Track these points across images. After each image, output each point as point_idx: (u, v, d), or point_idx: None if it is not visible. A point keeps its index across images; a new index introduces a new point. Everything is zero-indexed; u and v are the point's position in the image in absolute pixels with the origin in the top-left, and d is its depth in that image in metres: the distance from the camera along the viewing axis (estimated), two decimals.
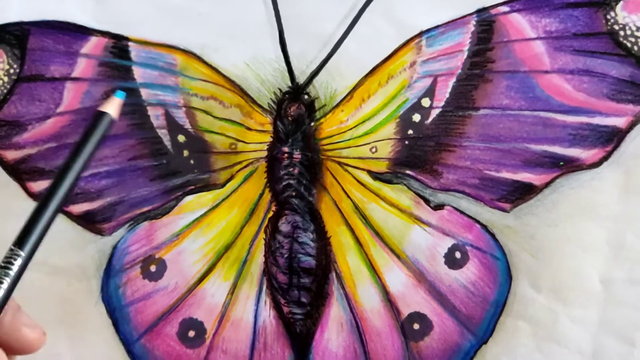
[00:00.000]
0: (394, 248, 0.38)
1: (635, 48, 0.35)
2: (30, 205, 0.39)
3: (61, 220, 0.39)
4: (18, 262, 0.29)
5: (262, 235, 0.39)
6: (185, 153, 0.38)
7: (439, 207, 0.38)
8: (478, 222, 0.37)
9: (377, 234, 0.38)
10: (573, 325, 0.37)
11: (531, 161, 0.36)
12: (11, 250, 0.29)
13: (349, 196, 0.38)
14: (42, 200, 0.31)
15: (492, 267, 0.37)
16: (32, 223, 0.30)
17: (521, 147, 0.36)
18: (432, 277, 0.38)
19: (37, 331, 0.29)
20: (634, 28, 0.35)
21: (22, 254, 0.29)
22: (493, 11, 0.36)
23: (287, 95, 0.38)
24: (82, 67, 0.38)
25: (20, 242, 0.30)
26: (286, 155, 0.38)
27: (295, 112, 0.38)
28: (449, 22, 0.37)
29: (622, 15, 0.35)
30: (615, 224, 0.36)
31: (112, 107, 0.32)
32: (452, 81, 0.37)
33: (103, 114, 0.32)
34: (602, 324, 0.36)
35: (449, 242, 0.37)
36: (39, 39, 0.38)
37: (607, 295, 0.36)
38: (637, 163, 0.36)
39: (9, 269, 0.29)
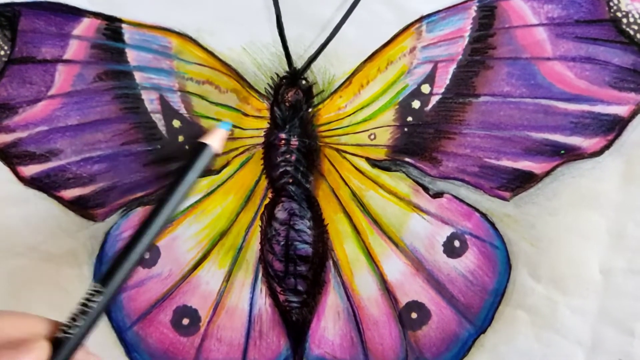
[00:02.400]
0: (392, 236, 0.38)
1: (638, 36, 0.36)
2: (21, 189, 0.38)
3: (53, 206, 0.39)
4: (99, 299, 0.29)
5: (258, 222, 0.38)
6: (180, 138, 0.38)
7: (438, 195, 0.37)
8: (477, 210, 0.37)
9: (375, 221, 0.38)
10: (572, 315, 0.37)
11: (532, 149, 0.36)
12: (94, 286, 0.29)
13: (346, 183, 0.38)
14: (136, 232, 0.31)
15: (491, 256, 0.37)
16: (121, 258, 0.30)
17: (522, 135, 0.36)
18: (430, 265, 0.38)
19: None
20: (637, 15, 0.35)
21: (104, 291, 0.29)
22: None
23: (284, 81, 0.37)
24: (74, 49, 0.38)
25: (104, 279, 0.29)
26: (283, 141, 0.38)
27: (293, 98, 0.37)
28: (449, 7, 0.37)
29: (625, 2, 0.36)
30: (615, 213, 0.36)
31: (215, 139, 0.33)
32: (452, 67, 0.36)
33: (205, 145, 0.32)
34: (602, 313, 0.37)
35: (447, 231, 0.38)
36: (30, 21, 0.38)
37: (606, 285, 0.37)
38: (639, 152, 0.36)
39: (88, 306, 0.28)
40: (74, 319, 0.28)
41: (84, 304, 0.29)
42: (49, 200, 0.38)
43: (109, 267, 0.30)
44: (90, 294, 0.29)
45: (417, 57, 0.37)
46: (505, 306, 0.37)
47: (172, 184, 0.32)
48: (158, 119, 0.38)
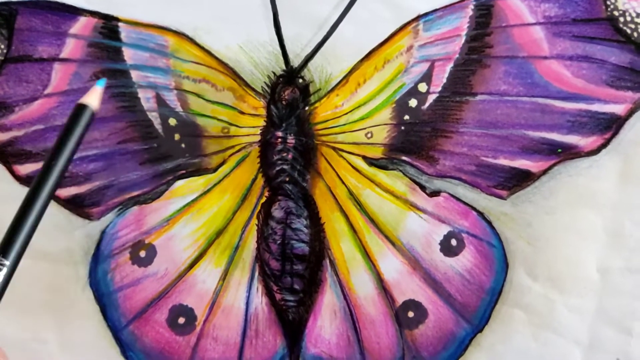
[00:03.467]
0: (389, 235, 0.38)
1: (635, 34, 0.36)
2: (17, 188, 0.38)
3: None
4: (3, 272, 0.28)
5: (254, 221, 0.38)
6: (177, 137, 0.38)
7: (435, 193, 0.38)
8: (474, 209, 0.37)
9: (372, 220, 0.38)
10: (569, 314, 0.37)
11: (529, 148, 0.36)
12: None
13: (343, 182, 0.38)
14: (25, 202, 0.30)
15: (488, 255, 0.37)
16: (15, 227, 0.29)
17: (519, 134, 0.36)
18: (427, 264, 0.38)
19: None
20: (634, 14, 0.35)
21: (7, 262, 0.28)
22: None
23: (281, 79, 0.38)
24: (71, 47, 0.38)
25: (3, 250, 0.29)
26: (280, 140, 0.38)
27: (290, 96, 0.37)
28: (447, 6, 0.37)
29: (622, 1, 0.36)
30: (613, 212, 0.36)
31: (93, 98, 0.32)
32: (449, 66, 0.37)
33: (83, 107, 0.31)
34: (599, 313, 0.37)
35: (444, 229, 0.38)
36: (27, 19, 0.38)
37: (604, 284, 0.37)
38: (636, 151, 0.36)
39: None
40: None
41: None
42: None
43: (4, 238, 0.29)
44: None
45: (414, 56, 0.37)
46: (502, 305, 0.37)
47: (53, 151, 0.31)
48: (154, 117, 0.38)
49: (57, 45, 0.38)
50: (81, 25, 0.38)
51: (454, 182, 0.37)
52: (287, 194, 0.38)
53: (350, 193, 0.38)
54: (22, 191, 0.38)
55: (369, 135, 0.38)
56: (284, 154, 0.38)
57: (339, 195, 0.38)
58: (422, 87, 0.37)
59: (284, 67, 0.37)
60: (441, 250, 0.38)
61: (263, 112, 0.38)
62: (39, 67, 0.38)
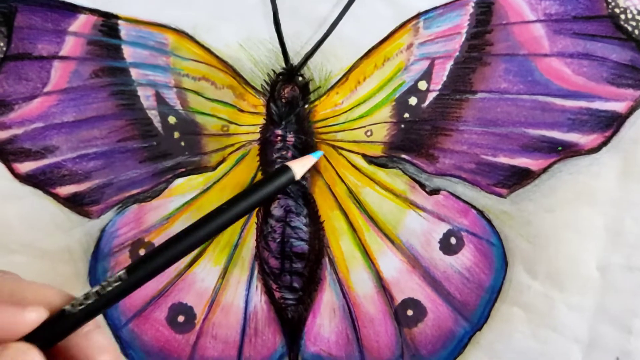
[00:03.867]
0: (388, 233, 0.38)
1: (636, 32, 0.36)
2: (16, 186, 0.38)
3: (48, 203, 0.39)
4: (117, 286, 0.29)
5: (253, 219, 0.39)
6: (176, 135, 0.38)
7: (434, 192, 0.37)
8: (474, 207, 0.38)
9: (371, 218, 0.38)
10: (569, 312, 0.37)
11: (529, 146, 0.36)
12: (118, 273, 0.29)
13: (343, 180, 0.38)
14: (183, 231, 0.31)
15: (488, 253, 0.37)
16: (156, 254, 0.30)
17: (519, 132, 0.36)
18: (426, 262, 0.38)
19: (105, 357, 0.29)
20: (634, 12, 0.35)
21: (126, 279, 0.29)
22: None
23: (281, 77, 0.38)
24: (71, 45, 0.38)
25: (130, 269, 0.29)
26: (279, 137, 0.38)
27: (289, 94, 0.37)
28: (447, 4, 0.37)
29: None
30: (613, 210, 0.36)
31: (300, 166, 0.33)
32: (449, 64, 0.37)
33: (287, 169, 0.33)
34: (599, 311, 0.37)
35: (444, 228, 0.38)
36: (26, 17, 0.38)
37: (604, 281, 0.37)
38: (637, 148, 0.36)
39: (105, 290, 0.29)
40: (86, 297, 0.28)
41: (102, 287, 0.29)
42: (44, 197, 0.38)
43: (140, 258, 0.30)
44: (112, 280, 0.29)
45: (414, 54, 0.37)
46: (501, 303, 0.37)
47: (240, 195, 0.32)
48: (154, 115, 0.38)
49: (56, 43, 0.38)
50: (81, 23, 0.38)
51: (454, 180, 0.37)
52: (286, 192, 0.38)
53: (350, 191, 0.38)
54: (21, 189, 0.38)
55: (369, 133, 0.38)
56: (284, 152, 0.38)
57: (338, 194, 0.38)
58: (422, 85, 0.37)
59: (283, 65, 0.37)
60: (440, 248, 0.38)
61: (263, 110, 0.38)
62: (38, 65, 0.38)
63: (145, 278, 0.30)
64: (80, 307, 0.28)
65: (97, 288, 0.29)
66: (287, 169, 0.33)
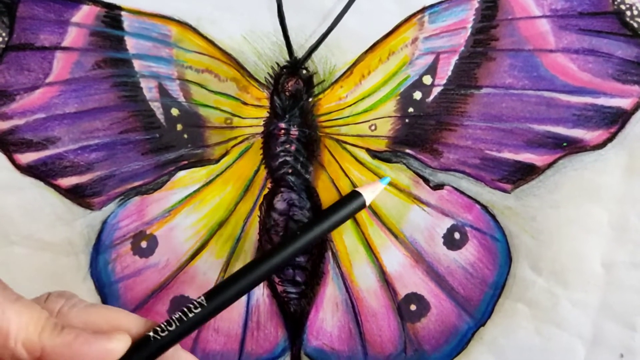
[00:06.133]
0: (392, 228, 0.38)
1: None
2: (17, 177, 0.38)
3: (49, 194, 0.39)
4: (199, 312, 0.30)
5: (256, 212, 0.39)
6: (179, 127, 0.38)
7: (438, 187, 0.37)
8: (478, 202, 0.38)
9: (375, 213, 0.38)
10: (573, 309, 0.37)
11: (534, 141, 0.36)
12: (198, 299, 0.31)
13: (346, 174, 0.38)
14: (259, 259, 0.33)
15: (492, 249, 0.37)
16: (237, 278, 0.32)
17: (524, 127, 0.36)
18: (430, 257, 0.38)
19: None
20: None
21: (206, 305, 0.30)
22: None
23: (284, 70, 0.38)
24: (73, 36, 0.38)
25: (210, 295, 0.31)
26: (283, 131, 0.37)
27: (293, 87, 0.37)
28: None
29: None
30: (618, 206, 0.36)
31: (370, 191, 0.35)
32: (454, 59, 0.37)
33: (358, 194, 0.34)
34: (603, 307, 0.37)
35: (448, 223, 0.38)
36: (29, 7, 0.38)
37: (608, 278, 0.37)
38: None
39: (187, 316, 0.30)
40: (169, 324, 0.30)
41: (184, 312, 0.30)
42: (46, 189, 0.38)
43: (220, 284, 0.32)
44: (193, 305, 0.30)
45: (419, 48, 0.37)
46: (505, 299, 0.38)
47: (312, 222, 0.34)
48: (156, 107, 0.38)
49: (59, 33, 0.38)
50: (84, 13, 0.38)
51: (458, 175, 0.38)
52: (289, 185, 0.38)
53: (354, 186, 0.38)
54: (22, 180, 0.38)
55: (373, 127, 0.38)
56: (287, 146, 0.38)
57: (342, 188, 0.38)
58: (427, 79, 0.37)
59: (287, 58, 0.37)
60: (444, 243, 0.38)
61: (266, 103, 0.38)
62: (40, 55, 0.38)
63: (224, 304, 0.31)
64: (164, 334, 0.29)
65: (177, 315, 0.30)
66: (358, 194, 0.34)
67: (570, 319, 0.37)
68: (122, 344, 0.28)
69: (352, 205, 0.34)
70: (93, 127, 0.38)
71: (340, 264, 0.39)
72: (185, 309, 0.30)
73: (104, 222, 0.39)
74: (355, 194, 0.35)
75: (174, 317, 0.30)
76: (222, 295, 0.31)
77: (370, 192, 0.35)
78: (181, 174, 0.39)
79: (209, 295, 0.31)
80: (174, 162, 0.38)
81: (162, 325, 0.29)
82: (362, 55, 0.37)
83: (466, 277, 0.38)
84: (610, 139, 0.36)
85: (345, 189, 0.38)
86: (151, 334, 0.29)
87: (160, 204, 0.39)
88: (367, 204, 0.35)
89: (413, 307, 0.38)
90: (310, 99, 0.38)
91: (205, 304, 0.30)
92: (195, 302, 0.30)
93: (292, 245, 0.33)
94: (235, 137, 0.38)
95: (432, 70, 0.37)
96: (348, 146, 0.38)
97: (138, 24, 0.38)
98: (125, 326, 0.29)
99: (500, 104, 0.37)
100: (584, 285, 0.37)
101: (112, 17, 0.38)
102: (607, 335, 0.37)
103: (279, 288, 0.39)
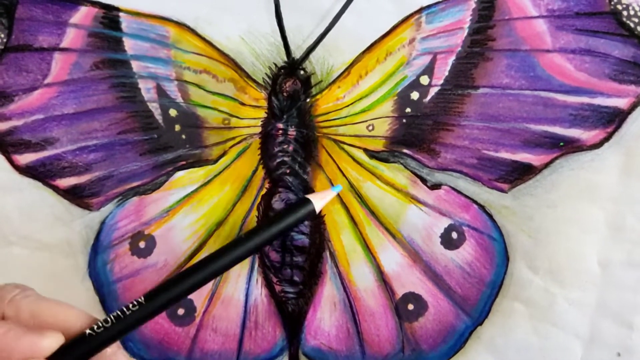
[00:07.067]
0: (390, 227, 0.38)
1: (639, 29, 0.36)
2: (16, 178, 0.38)
3: (47, 195, 0.39)
4: (136, 311, 0.30)
5: (254, 212, 0.39)
6: (177, 127, 0.38)
7: (435, 186, 0.38)
8: (475, 202, 0.38)
9: (373, 213, 0.38)
10: (570, 308, 0.37)
11: (531, 141, 0.37)
12: (137, 298, 0.31)
13: (344, 174, 0.38)
14: (204, 259, 0.32)
15: (489, 248, 0.37)
16: (177, 281, 0.32)
17: (521, 127, 0.36)
18: (427, 257, 0.38)
19: None
20: (637, 8, 0.36)
21: (144, 304, 0.30)
22: None
23: (282, 70, 0.38)
24: (71, 37, 0.38)
25: (149, 295, 0.31)
26: (281, 131, 0.38)
27: (291, 88, 0.37)
28: None
29: None
30: (615, 206, 0.36)
31: (320, 199, 0.35)
32: (451, 59, 0.37)
33: (307, 201, 0.34)
34: (600, 306, 0.37)
35: (445, 222, 0.38)
36: (27, 8, 0.38)
37: (605, 277, 0.37)
38: (638, 145, 0.37)
39: (124, 314, 0.30)
40: (105, 321, 0.30)
41: (122, 311, 0.30)
42: (44, 189, 0.39)
43: (159, 285, 0.31)
44: (132, 304, 0.30)
45: (416, 49, 0.37)
46: (502, 298, 0.38)
47: (259, 227, 0.34)
48: (155, 108, 0.38)
49: (57, 34, 0.38)
50: (82, 14, 0.38)
51: (455, 175, 0.38)
52: (287, 185, 0.38)
53: (351, 185, 0.38)
54: (21, 181, 0.38)
55: (370, 127, 0.38)
56: (285, 146, 0.38)
57: None
58: (424, 79, 0.37)
59: (285, 58, 0.37)
60: (442, 243, 0.38)
61: (264, 103, 0.38)
62: (39, 56, 0.38)
63: (163, 305, 0.31)
64: (100, 331, 0.29)
65: (116, 313, 0.30)
66: (307, 201, 0.34)
67: (568, 318, 0.37)
68: (53, 341, 0.28)
69: (300, 211, 0.34)
70: (91, 128, 0.38)
71: (338, 263, 0.39)
72: (124, 308, 0.30)
73: (102, 223, 0.39)
74: (305, 201, 0.35)
75: (111, 315, 0.30)
76: (161, 296, 0.31)
77: (320, 200, 0.35)
78: (179, 174, 0.39)
79: (148, 295, 0.31)
80: (172, 162, 0.39)
81: (100, 323, 0.29)
82: (359, 56, 0.37)
83: (463, 277, 0.38)
84: (607, 139, 0.36)
85: (343, 188, 0.38)
86: (87, 330, 0.29)
87: (159, 205, 0.39)
88: (317, 211, 0.35)
89: (411, 307, 0.38)
90: (307, 100, 0.38)
91: (144, 304, 0.30)
92: (134, 302, 0.30)
93: (237, 250, 0.33)
94: (233, 138, 0.38)
95: (429, 70, 0.37)
96: (346, 146, 0.38)
97: (136, 25, 0.38)
98: (70, 321, 0.29)
99: (498, 104, 0.37)
100: (581, 284, 0.37)
101: (110, 18, 0.38)
102: (604, 334, 0.37)
103: (277, 288, 0.39)
